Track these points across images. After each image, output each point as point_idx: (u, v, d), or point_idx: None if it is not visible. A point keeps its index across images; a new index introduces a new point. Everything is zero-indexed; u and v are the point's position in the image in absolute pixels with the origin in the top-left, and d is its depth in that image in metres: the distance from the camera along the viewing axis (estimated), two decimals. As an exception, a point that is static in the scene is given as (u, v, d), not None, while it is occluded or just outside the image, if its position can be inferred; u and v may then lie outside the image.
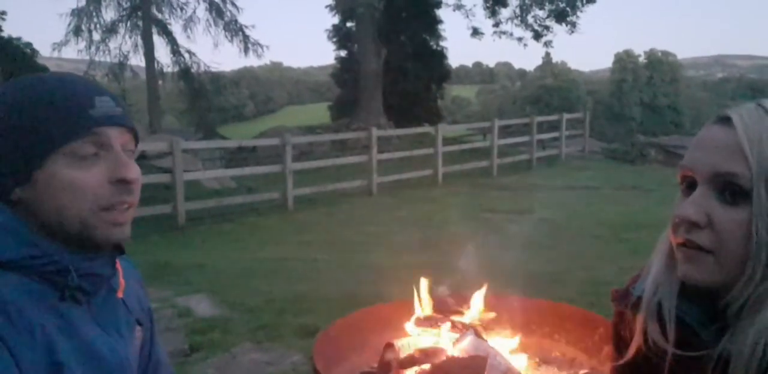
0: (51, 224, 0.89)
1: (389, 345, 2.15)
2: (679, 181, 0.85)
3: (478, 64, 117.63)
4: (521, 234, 8.16)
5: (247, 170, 11.15)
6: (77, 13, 21.81)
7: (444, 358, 2.01)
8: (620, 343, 0.97)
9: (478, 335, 2.06)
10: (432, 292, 2.38)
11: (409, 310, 2.31)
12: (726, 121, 0.81)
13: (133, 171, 0.91)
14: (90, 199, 0.88)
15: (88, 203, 0.88)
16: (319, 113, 36.14)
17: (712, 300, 0.83)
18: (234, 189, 11.61)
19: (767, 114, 0.79)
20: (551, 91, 65.29)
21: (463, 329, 2.16)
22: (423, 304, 2.37)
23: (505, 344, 2.16)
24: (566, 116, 17.59)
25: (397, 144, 15.37)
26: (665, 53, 67.90)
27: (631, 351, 0.92)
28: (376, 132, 12.10)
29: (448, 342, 2.11)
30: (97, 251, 0.93)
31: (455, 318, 2.26)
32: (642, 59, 67.41)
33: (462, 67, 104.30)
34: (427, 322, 2.27)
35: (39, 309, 0.86)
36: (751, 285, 0.77)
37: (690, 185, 0.82)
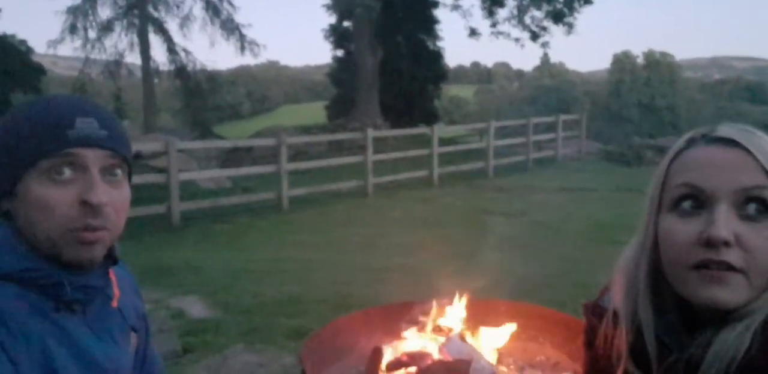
0: (28, 238, 0.91)
1: (377, 349, 2.17)
2: (672, 199, 0.83)
3: (476, 65, 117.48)
4: (515, 237, 8.17)
5: (243, 170, 11.17)
6: (73, 10, 21.86)
7: (430, 361, 2.04)
8: (589, 352, 1.00)
9: (462, 339, 2.08)
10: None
11: (397, 314, 2.33)
12: (722, 141, 0.82)
13: (100, 195, 0.90)
14: (58, 218, 0.89)
15: (56, 222, 0.89)
16: (315, 112, 36.09)
17: (683, 310, 0.84)
18: (229, 189, 11.61)
19: (754, 134, 0.82)
20: (549, 91, 65.34)
21: (448, 333, 2.18)
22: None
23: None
24: (562, 117, 17.60)
25: (393, 145, 15.37)
26: (663, 54, 67.87)
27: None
28: (371, 133, 12.13)
29: (434, 346, 2.13)
30: (79, 268, 0.94)
31: (442, 322, 2.29)
32: (640, 60, 67.39)
33: (460, 67, 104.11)
34: (414, 326, 2.29)
35: (36, 319, 0.89)
36: None
37: (695, 205, 0.81)
